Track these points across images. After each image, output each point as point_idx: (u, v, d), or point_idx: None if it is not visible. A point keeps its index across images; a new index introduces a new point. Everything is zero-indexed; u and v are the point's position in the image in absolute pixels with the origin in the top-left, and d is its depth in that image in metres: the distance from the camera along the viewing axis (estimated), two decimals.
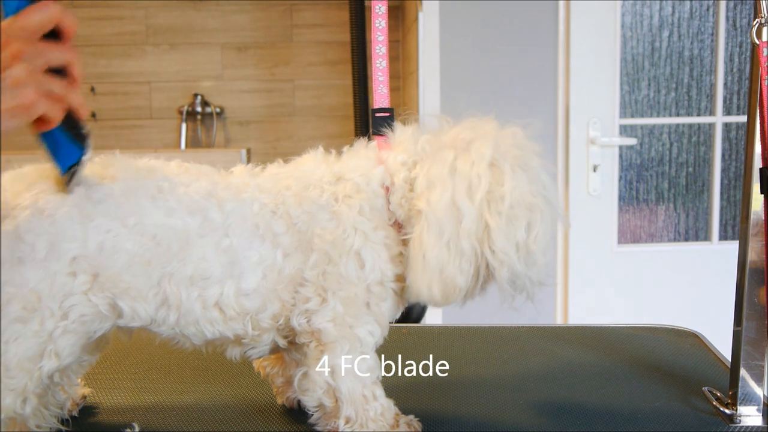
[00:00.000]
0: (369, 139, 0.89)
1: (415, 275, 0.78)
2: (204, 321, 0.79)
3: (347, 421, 0.82)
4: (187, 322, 0.79)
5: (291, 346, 0.86)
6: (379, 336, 0.83)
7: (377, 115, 0.90)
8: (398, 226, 0.83)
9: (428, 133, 0.85)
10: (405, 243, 0.83)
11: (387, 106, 0.91)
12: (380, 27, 0.91)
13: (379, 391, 0.85)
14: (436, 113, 0.90)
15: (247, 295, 0.79)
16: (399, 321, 1.46)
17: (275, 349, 0.87)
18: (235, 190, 0.81)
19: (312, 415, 0.85)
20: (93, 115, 3.17)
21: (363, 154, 0.86)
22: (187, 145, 3.22)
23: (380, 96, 0.91)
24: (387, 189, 0.83)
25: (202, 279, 0.78)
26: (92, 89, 3.17)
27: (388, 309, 0.83)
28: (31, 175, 0.78)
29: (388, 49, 0.92)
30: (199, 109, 3.19)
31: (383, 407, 0.84)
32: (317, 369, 0.81)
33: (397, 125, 0.87)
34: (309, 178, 0.83)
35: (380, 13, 0.92)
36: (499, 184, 0.78)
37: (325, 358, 0.80)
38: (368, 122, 2.02)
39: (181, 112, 3.20)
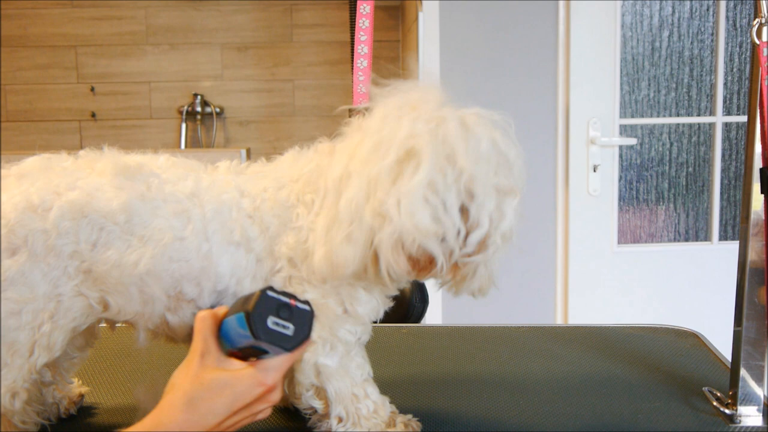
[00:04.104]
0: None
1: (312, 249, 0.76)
2: (184, 319, 0.80)
3: (339, 421, 0.82)
4: (168, 318, 0.80)
5: None
6: (360, 333, 0.83)
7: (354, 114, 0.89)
8: None
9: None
10: None
11: (365, 106, 0.90)
12: (363, 27, 0.91)
13: (371, 389, 0.84)
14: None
15: (222, 301, 0.80)
16: (399, 321, 1.47)
17: None
18: (216, 190, 0.81)
19: (309, 418, 0.85)
20: (93, 115, 3.17)
21: (321, 148, 0.85)
22: (187, 145, 3.22)
23: (359, 95, 0.91)
24: None
25: (182, 279, 0.78)
26: (92, 89, 3.17)
27: (365, 306, 0.82)
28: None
29: (371, 49, 0.92)
30: (199, 109, 3.19)
31: (376, 404, 0.84)
32: (301, 371, 0.81)
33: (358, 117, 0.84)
34: (283, 178, 0.83)
35: (364, 12, 0.92)
36: (380, 131, 0.70)
37: (307, 359, 0.80)
38: None
39: (181, 112, 3.20)
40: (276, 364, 0.70)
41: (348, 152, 0.75)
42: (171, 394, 0.71)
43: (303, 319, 0.69)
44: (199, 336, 0.72)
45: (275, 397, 0.72)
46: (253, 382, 0.69)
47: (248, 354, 0.71)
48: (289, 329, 0.68)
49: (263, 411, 0.73)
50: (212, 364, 0.70)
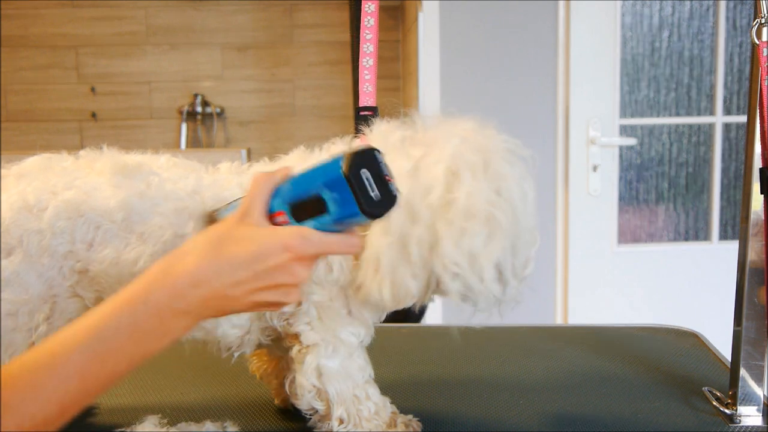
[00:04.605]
0: (354, 137, 0.88)
1: (366, 275, 0.75)
2: None
3: (340, 422, 0.82)
4: None
5: (276, 343, 0.86)
6: (363, 336, 0.83)
7: (362, 113, 0.89)
8: None
9: (408, 129, 0.81)
10: None
11: (372, 105, 0.90)
12: (369, 25, 0.91)
13: (373, 390, 0.84)
14: (435, 113, 0.85)
15: None
16: (399, 321, 1.47)
17: (260, 345, 0.87)
18: (217, 187, 0.81)
19: (310, 418, 0.85)
20: (93, 115, 3.17)
21: (334, 151, 0.84)
22: (187, 145, 3.22)
23: (365, 94, 0.90)
24: None
25: None
26: (92, 89, 3.17)
27: (370, 309, 0.82)
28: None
29: (376, 48, 0.91)
30: (199, 109, 3.19)
31: (377, 406, 0.84)
32: (303, 372, 0.81)
33: (376, 121, 0.84)
34: None
35: (369, 11, 0.91)
36: (455, 190, 0.73)
37: (309, 360, 0.80)
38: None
39: (181, 112, 3.20)
40: (314, 238, 0.64)
41: (403, 182, 0.73)
42: (189, 240, 0.64)
43: (388, 199, 0.64)
44: (248, 196, 0.66)
45: (303, 273, 0.64)
46: (281, 243, 0.63)
47: (298, 215, 0.66)
48: (375, 194, 0.63)
49: (288, 291, 0.65)
50: (249, 222, 0.64)
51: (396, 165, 0.75)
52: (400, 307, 0.77)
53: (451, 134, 0.77)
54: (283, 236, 0.63)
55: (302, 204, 0.66)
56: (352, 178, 0.62)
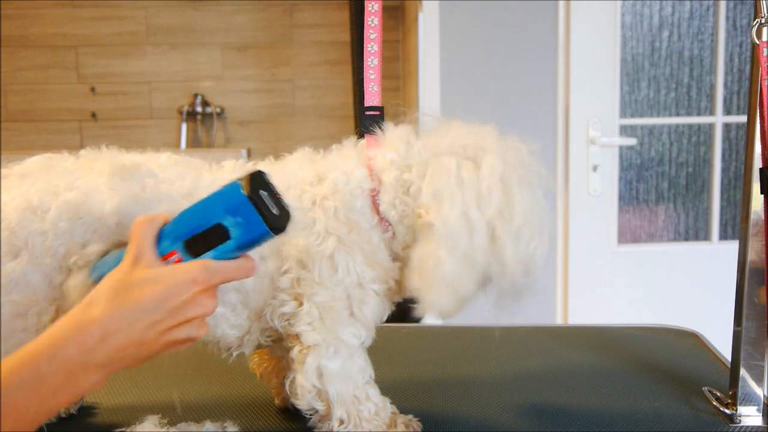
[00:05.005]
0: (359, 138, 0.88)
1: (428, 289, 0.78)
2: None
3: (340, 423, 0.82)
4: None
5: (276, 344, 0.86)
6: (364, 337, 0.83)
7: (367, 113, 0.89)
8: (385, 227, 0.82)
9: (423, 136, 0.83)
10: (393, 245, 0.82)
11: (377, 105, 0.90)
12: (373, 25, 0.91)
13: (373, 391, 0.84)
14: (435, 114, 0.87)
15: (221, 298, 0.79)
16: (399, 321, 1.47)
17: (260, 345, 0.87)
18: (216, 188, 0.80)
19: (310, 418, 0.85)
20: (93, 115, 3.17)
21: (347, 154, 0.85)
22: (187, 145, 3.22)
23: (371, 94, 0.90)
24: (372, 190, 0.82)
25: None
26: (92, 89, 3.17)
27: (372, 310, 0.82)
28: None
29: (380, 48, 0.91)
30: (199, 109, 3.19)
31: (377, 407, 0.84)
32: (303, 373, 0.81)
33: (388, 124, 0.85)
34: (291, 179, 0.82)
35: (373, 11, 0.91)
36: (508, 201, 0.78)
37: (309, 361, 0.80)
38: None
39: (181, 112, 3.20)
40: (216, 267, 0.66)
41: (451, 191, 0.78)
42: (91, 293, 0.64)
43: (286, 213, 0.67)
44: (134, 241, 0.66)
45: (211, 304, 0.66)
46: (187, 278, 0.64)
47: (194, 249, 0.67)
48: (275, 211, 0.66)
49: (199, 324, 0.66)
50: (145, 265, 0.65)
51: (439, 178, 0.78)
52: (457, 313, 0.81)
53: (490, 147, 0.81)
54: (187, 271, 0.64)
55: (198, 237, 0.67)
56: (256, 199, 0.65)
